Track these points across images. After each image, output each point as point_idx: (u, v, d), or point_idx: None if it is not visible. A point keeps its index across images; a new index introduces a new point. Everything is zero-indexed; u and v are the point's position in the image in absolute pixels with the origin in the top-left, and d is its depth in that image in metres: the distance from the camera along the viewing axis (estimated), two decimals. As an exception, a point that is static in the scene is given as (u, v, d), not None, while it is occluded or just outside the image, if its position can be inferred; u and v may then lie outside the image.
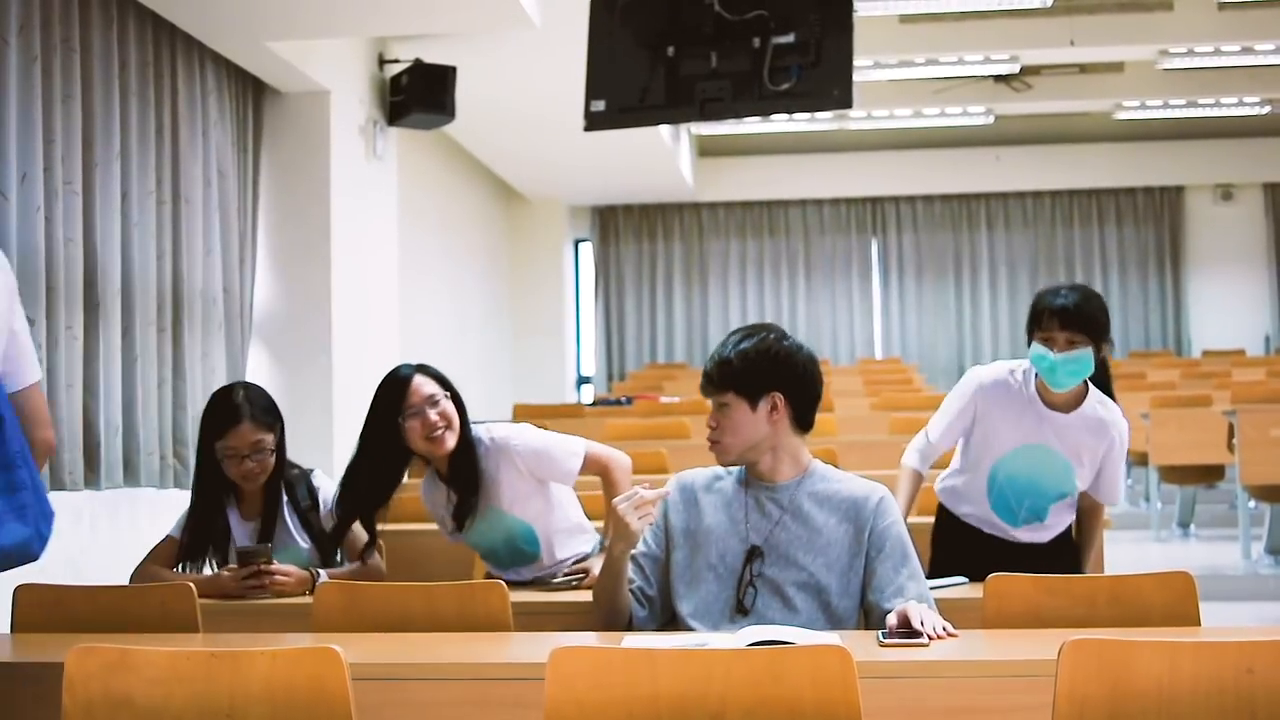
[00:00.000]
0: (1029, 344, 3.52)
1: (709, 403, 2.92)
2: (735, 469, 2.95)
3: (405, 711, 2.41)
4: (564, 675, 2.07)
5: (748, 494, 2.91)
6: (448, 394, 3.47)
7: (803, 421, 2.90)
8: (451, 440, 3.45)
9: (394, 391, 3.44)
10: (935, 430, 3.77)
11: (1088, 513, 3.77)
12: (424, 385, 3.44)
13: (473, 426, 3.53)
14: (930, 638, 2.52)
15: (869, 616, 2.82)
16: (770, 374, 2.85)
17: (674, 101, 5.03)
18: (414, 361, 3.57)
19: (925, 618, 2.58)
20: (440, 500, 3.61)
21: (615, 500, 2.84)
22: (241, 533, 3.66)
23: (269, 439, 3.57)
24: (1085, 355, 3.44)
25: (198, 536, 3.60)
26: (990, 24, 10.55)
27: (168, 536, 3.66)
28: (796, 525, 2.85)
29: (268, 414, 3.60)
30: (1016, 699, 2.31)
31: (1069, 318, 3.42)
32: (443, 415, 3.43)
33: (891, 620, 2.63)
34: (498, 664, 2.52)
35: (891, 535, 2.84)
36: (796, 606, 2.79)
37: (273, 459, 3.60)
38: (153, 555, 3.62)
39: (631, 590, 2.92)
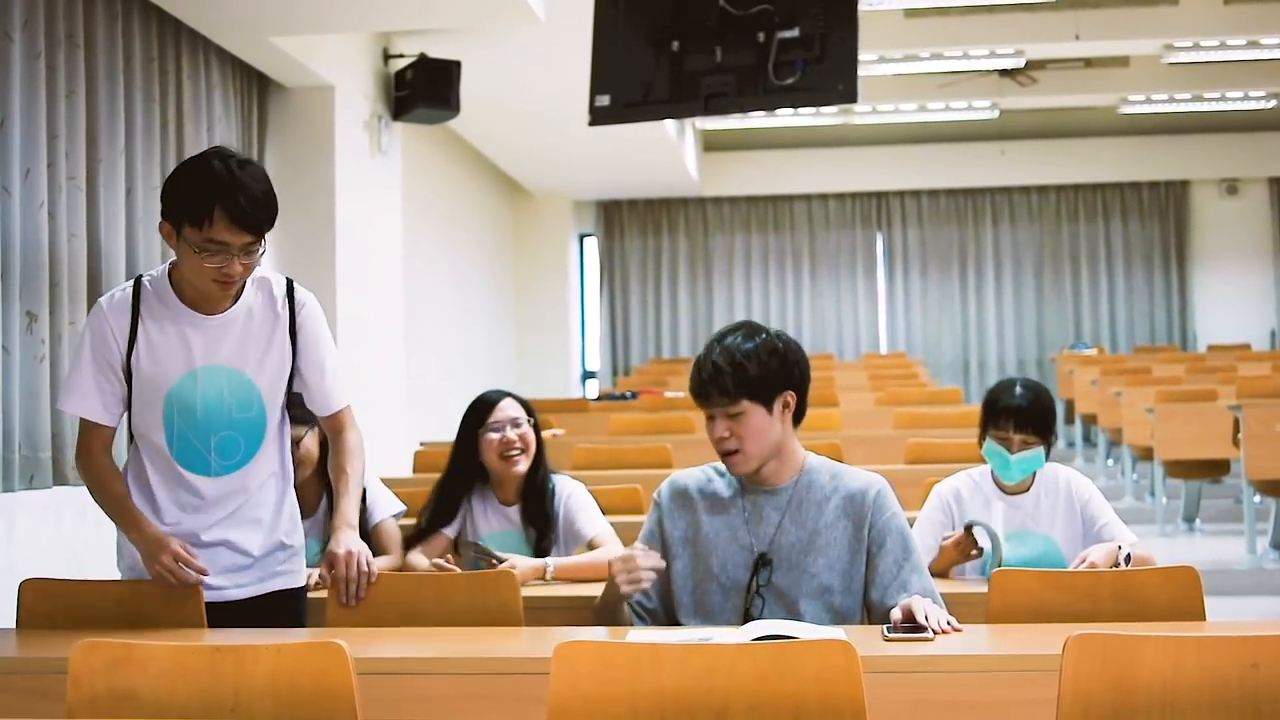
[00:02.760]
0: (981, 439, 3.64)
1: (711, 412, 2.79)
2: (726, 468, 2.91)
3: (409, 705, 2.41)
4: (569, 670, 2.07)
5: (745, 498, 2.86)
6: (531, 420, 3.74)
7: (801, 415, 2.87)
8: (525, 464, 3.69)
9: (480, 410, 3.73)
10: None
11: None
12: (509, 408, 3.72)
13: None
14: (935, 632, 2.52)
15: (871, 613, 2.80)
16: (783, 374, 2.79)
17: (679, 96, 5.03)
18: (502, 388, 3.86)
19: (930, 612, 2.57)
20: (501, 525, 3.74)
21: (613, 559, 2.81)
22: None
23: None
24: (1038, 454, 3.58)
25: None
26: (995, 18, 10.54)
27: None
28: (796, 528, 2.81)
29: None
30: (1021, 693, 2.31)
31: (1025, 418, 3.55)
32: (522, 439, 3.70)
33: (896, 615, 2.62)
34: (502, 658, 2.52)
35: (892, 530, 2.81)
36: (801, 610, 2.76)
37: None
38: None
39: (630, 605, 2.87)
